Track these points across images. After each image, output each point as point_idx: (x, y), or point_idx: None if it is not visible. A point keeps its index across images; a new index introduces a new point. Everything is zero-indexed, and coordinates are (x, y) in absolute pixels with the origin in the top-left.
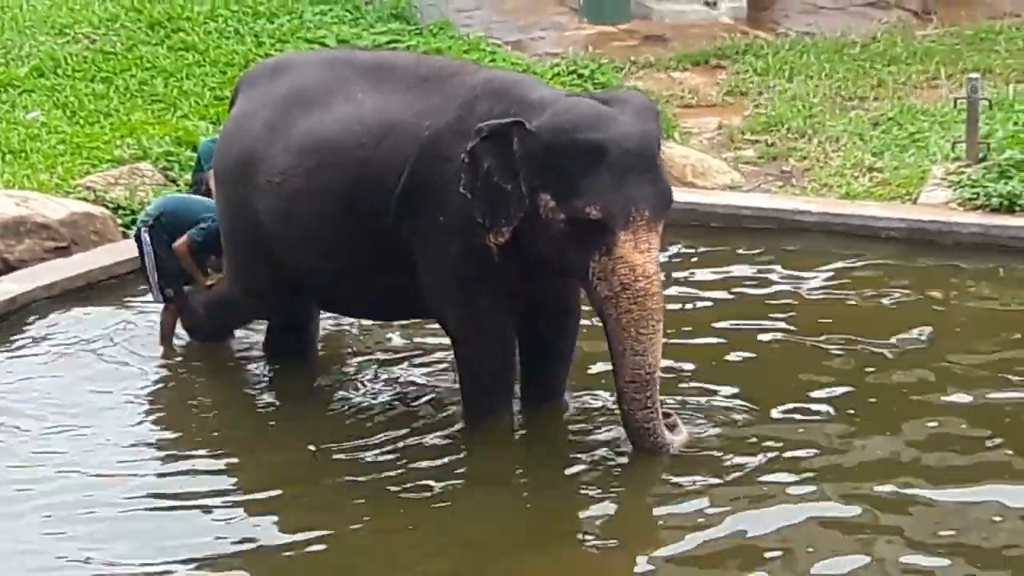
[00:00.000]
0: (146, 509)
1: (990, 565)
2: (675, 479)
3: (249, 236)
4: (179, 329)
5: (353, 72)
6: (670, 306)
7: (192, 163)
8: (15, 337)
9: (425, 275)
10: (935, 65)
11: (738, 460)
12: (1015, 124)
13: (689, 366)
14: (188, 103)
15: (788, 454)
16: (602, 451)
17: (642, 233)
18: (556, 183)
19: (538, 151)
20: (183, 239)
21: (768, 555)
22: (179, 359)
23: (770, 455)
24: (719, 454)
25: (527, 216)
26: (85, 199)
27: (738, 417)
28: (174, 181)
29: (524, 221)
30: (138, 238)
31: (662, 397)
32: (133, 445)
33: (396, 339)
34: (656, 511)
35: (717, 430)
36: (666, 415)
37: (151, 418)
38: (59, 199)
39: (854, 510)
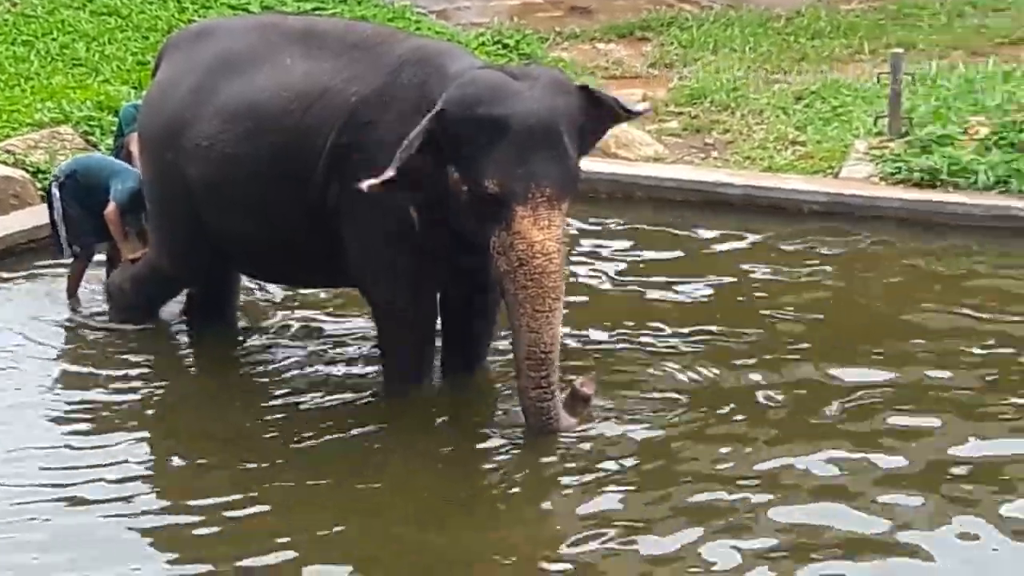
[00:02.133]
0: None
1: None
2: (582, 447)
3: (177, 202)
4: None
5: (281, 37)
6: (589, 277)
7: (114, 128)
8: None
9: (349, 242)
10: (858, 40)
11: (644, 429)
12: (937, 100)
13: (602, 336)
14: (110, 67)
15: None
16: (519, 419)
17: (542, 210)
18: (460, 157)
19: (443, 125)
20: (111, 206)
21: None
22: (101, 325)
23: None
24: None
25: (441, 188)
26: (4, 163)
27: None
28: (95, 146)
29: (439, 192)
30: (49, 193)
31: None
32: (48, 413)
33: (321, 307)
34: (567, 479)
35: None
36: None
37: (68, 383)
38: None
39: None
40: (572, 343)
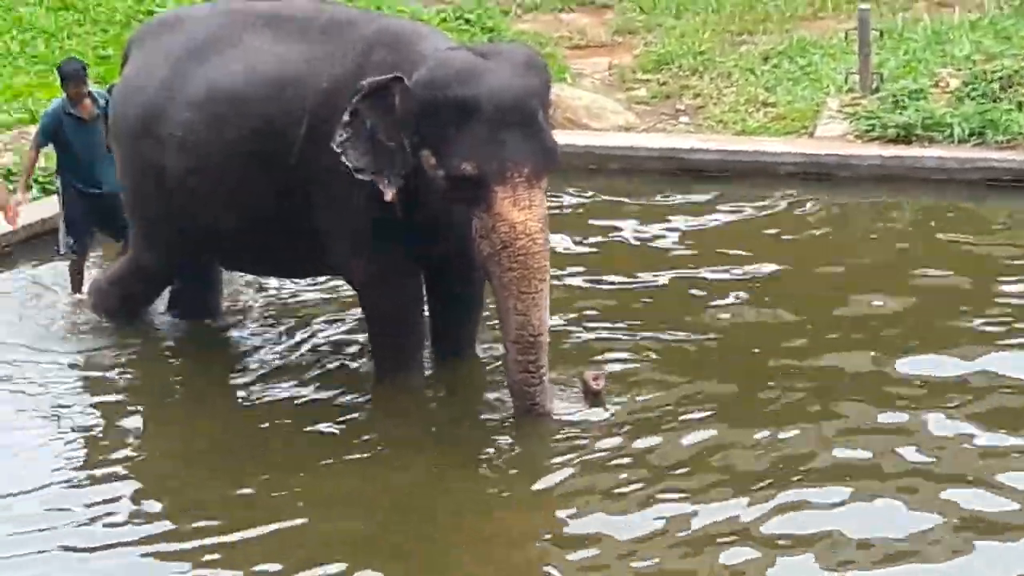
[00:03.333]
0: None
1: None
2: (576, 432)
3: (154, 194)
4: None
5: (249, 22)
6: (572, 250)
7: None
8: None
9: (329, 228)
10: None
11: (634, 411)
12: (905, 53)
13: (592, 311)
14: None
15: (677, 392)
16: (510, 404)
17: (522, 190)
18: (434, 139)
19: (415, 107)
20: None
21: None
22: (88, 321)
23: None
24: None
25: (416, 172)
26: None
27: (634, 364)
28: None
29: (414, 177)
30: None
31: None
32: (34, 411)
33: (305, 296)
34: (561, 467)
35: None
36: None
37: (58, 380)
38: None
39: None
40: (558, 320)
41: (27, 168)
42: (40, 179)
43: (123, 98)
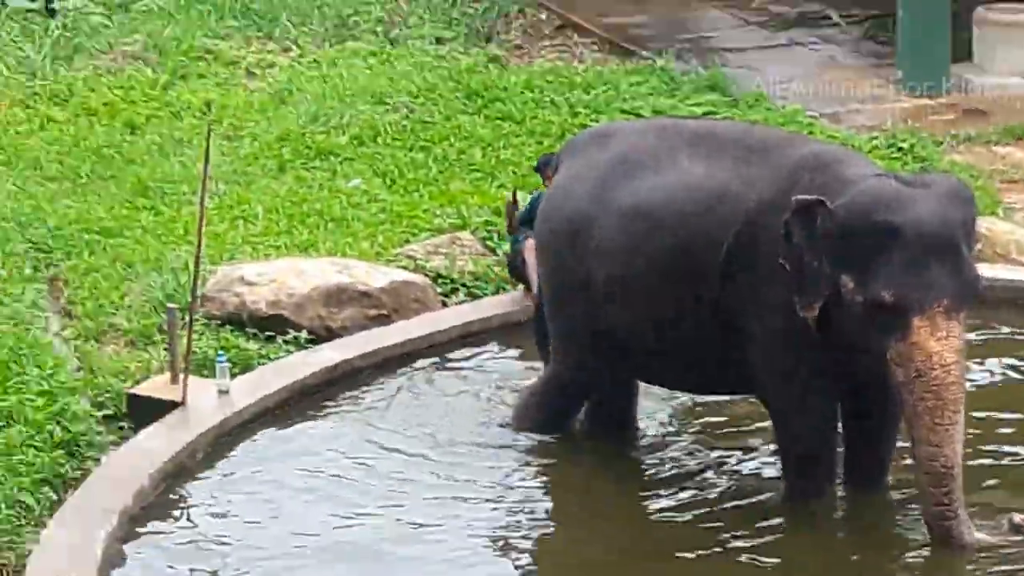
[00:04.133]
0: None
1: None
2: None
3: (577, 303)
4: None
5: (680, 139)
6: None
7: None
8: (335, 403)
9: (748, 348)
10: None
11: None
12: None
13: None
14: (505, 172)
15: None
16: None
17: (940, 320)
18: (854, 264)
19: (836, 230)
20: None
21: None
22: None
23: None
24: None
25: (834, 295)
26: (405, 267)
27: None
28: (493, 251)
29: (833, 300)
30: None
31: None
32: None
33: (708, 411)
34: None
35: None
36: None
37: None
38: (380, 267)
39: None
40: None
41: None
42: None
43: (553, 205)
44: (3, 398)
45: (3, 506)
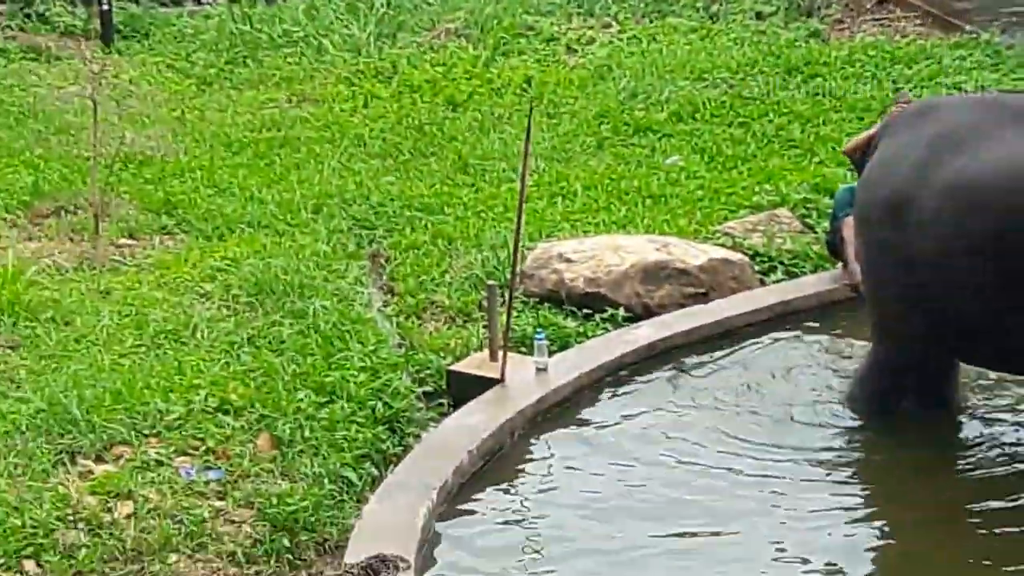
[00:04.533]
0: None
1: None
2: None
3: (898, 282)
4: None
5: (1007, 115)
6: None
7: (829, 211)
8: (654, 382)
9: None
10: None
11: None
12: None
13: None
14: (825, 149)
15: None
16: None
17: None
18: None
19: None
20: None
21: None
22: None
23: None
24: None
25: None
26: (723, 245)
27: None
28: (811, 228)
29: None
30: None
31: None
32: None
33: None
34: None
35: None
36: None
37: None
38: (698, 245)
39: None
40: None
41: None
42: None
43: (872, 182)
44: (327, 374)
45: (326, 481)
